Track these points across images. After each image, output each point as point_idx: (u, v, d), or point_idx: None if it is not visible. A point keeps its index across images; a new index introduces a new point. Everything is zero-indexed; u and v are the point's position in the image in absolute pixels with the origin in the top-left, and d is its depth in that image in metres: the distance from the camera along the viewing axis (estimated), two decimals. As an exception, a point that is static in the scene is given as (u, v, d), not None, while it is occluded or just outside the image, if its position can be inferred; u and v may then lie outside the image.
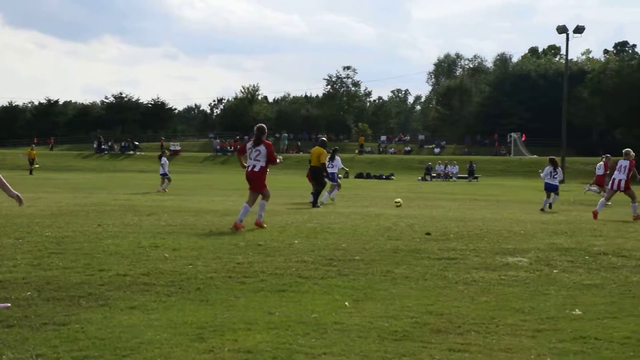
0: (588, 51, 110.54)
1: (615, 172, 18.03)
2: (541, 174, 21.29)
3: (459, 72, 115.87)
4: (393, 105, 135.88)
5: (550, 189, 20.60)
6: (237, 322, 5.77)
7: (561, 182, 21.97)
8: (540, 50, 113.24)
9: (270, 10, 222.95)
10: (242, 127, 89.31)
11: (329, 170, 22.35)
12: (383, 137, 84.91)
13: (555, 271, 8.61)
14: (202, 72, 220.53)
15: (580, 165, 61.64)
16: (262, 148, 13.44)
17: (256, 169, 13.46)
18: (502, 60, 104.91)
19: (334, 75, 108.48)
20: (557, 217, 17.07)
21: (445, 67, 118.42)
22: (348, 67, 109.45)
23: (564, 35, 56.11)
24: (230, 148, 74.96)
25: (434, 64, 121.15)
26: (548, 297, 7.08)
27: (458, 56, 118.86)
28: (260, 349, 5.02)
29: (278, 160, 13.80)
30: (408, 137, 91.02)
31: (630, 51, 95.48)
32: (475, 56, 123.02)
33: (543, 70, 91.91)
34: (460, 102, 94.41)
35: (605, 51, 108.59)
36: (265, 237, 11.38)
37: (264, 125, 14.00)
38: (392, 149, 79.11)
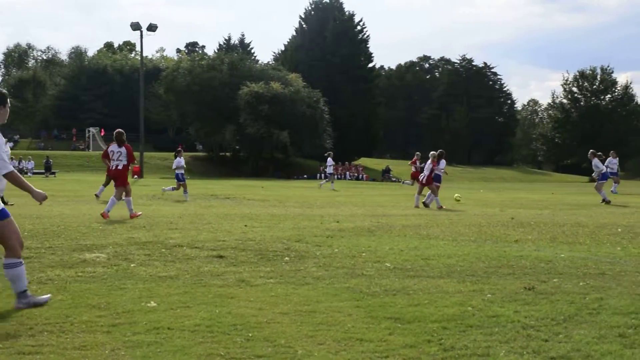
0: (162, 49, 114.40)
1: (425, 171, 22.17)
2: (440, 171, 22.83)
3: (31, 63, 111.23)
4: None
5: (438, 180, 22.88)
6: None
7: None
8: (116, 45, 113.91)
9: None
10: None
11: (177, 171, 23.77)
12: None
13: (132, 265, 8.73)
14: None
15: (157, 160, 63.42)
16: (123, 150, 16.16)
17: (120, 167, 16.16)
18: (78, 53, 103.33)
19: None
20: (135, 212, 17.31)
21: (15, 57, 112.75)
22: None
23: (139, 32, 57.19)
24: None
25: (4, 53, 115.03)
26: (125, 291, 7.14)
27: (30, 46, 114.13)
28: None
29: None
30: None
31: (200, 51, 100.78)
32: (48, 47, 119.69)
33: (119, 66, 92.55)
34: (34, 94, 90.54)
35: (178, 50, 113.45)
36: None
37: (123, 131, 16.48)
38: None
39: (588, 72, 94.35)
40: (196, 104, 64.72)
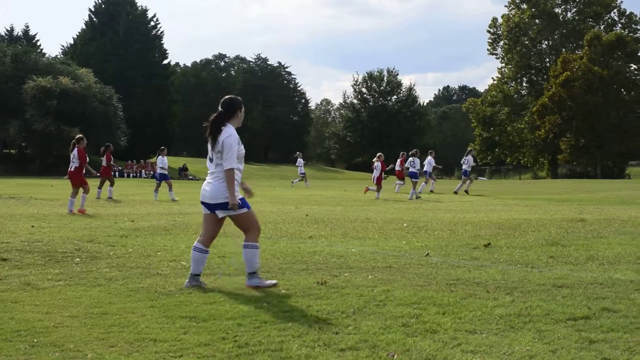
0: None
1: (375, 171, 26.37)
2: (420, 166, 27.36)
3: None
4: None
5: (413, 176, 26.60)
6: None
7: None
8: None
9: None
10: None
11: (160, 171, 24.35)
12: None
13: None
14: None
15: None
16: (75, 152, 17.76)
17: (72, 169, 17.86)
18: None
19: None
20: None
21: None
22: None
23: None
24: None
25: None
26: None
27: None
28: None
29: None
30: None
31: None
32: None
33: None
34: None
35: None
36: None
37: (82, 135, 18.56)
38: None
39: (376, 73, 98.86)
40: None
